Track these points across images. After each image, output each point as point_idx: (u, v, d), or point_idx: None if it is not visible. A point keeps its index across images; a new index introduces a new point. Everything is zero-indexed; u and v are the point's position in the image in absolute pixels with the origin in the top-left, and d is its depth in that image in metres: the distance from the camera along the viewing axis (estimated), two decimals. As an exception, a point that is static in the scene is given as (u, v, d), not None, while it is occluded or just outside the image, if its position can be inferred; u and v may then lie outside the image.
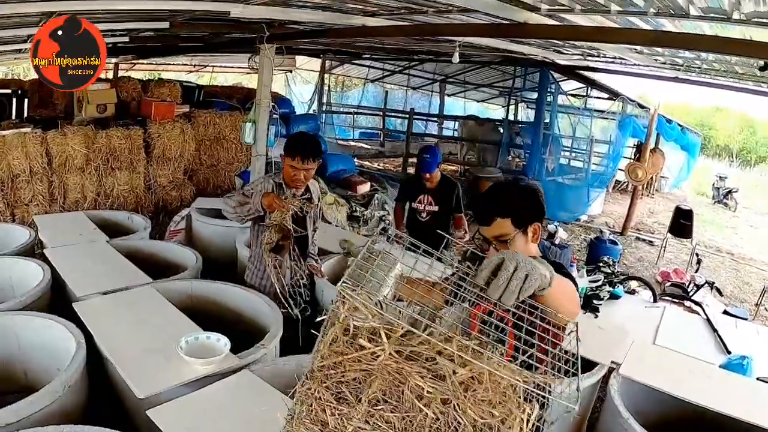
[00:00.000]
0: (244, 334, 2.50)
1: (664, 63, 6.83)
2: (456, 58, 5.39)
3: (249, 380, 2.20)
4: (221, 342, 2.34)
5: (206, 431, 1.89)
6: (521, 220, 1.80)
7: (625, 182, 13.47)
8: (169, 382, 2.14)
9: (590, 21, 4.04)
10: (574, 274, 3.16)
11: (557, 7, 3.65)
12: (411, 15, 4.50)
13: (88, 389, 2.38)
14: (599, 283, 4.17)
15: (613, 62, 8.44)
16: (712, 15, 3.36)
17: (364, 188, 7.53)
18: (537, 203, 1.85)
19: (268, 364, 2.39)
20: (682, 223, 7.65)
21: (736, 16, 3.21)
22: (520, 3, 3.56)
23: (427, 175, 4.13)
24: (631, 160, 11.57)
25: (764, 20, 3.16)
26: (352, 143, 14.94)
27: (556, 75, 10.83)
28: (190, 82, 8.49)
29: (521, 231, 1.80)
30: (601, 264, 4.89)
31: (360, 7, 4.47)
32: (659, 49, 5.66)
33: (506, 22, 3.91)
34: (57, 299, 3.14)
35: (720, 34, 3.70)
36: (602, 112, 12.30)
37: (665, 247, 8.34)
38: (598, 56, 7.54)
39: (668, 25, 3.76)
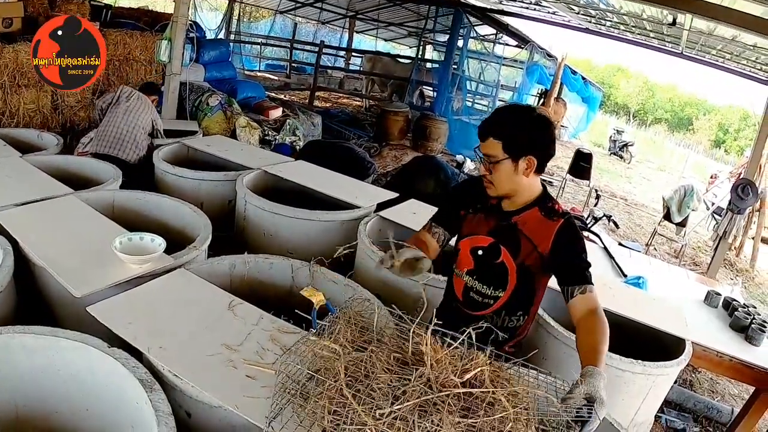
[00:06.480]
0: (171, 243, 2.52)
1: (578, 12, 7.18)
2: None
3: (186, 278, 2.24)
4: (156, 242, 2.36)
5: (149, 324, 1.91)
6: (512, 147, 1.74)
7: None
8: (106, 281, 2.14)
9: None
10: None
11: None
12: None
13: (18, 299, 2.32)
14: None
15: (527, 8, 8.74)
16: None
17: (276, 113, 7.59)
18: (539, 135, 1.76)
19: (202, 264, 2.45)
20: (581, 165, 8.21)
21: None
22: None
23: None
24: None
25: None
26: (259, 74, 14.58)
27: (470, 19, 11.06)
28: (98, 1, 7.92)
29: (511, 158, 1.75)
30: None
31: None
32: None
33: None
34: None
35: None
36: (510, 59, 12.75)
37: (564, 187, 8.92)
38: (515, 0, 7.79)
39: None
